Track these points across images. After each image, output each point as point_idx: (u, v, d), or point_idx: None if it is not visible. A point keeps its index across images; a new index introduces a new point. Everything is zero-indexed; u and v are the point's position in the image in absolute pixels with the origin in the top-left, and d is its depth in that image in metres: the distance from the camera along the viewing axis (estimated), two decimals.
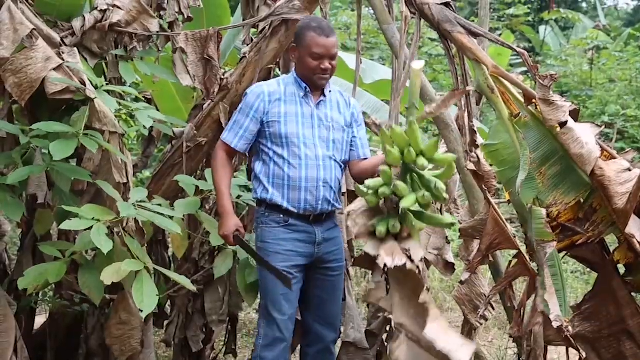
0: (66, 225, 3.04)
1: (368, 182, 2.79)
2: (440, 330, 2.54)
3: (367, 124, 4.39)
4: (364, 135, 3.66)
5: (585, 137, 3.16)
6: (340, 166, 3.52)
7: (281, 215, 3.38)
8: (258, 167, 3.44)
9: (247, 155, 3.78)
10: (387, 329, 4.01)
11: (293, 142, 3.36)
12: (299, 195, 3.36)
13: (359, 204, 2.99)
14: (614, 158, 3.25)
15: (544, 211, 3.24)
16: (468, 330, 4.79)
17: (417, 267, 2.77)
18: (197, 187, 3.74)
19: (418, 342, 2.59)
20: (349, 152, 3.56)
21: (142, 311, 3.05)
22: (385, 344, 4.09)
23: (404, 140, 2.73)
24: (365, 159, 3.59)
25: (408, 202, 2.70)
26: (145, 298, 3.01)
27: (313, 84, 3.43)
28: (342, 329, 3.94)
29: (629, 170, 3.10)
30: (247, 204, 3.96)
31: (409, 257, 2.73)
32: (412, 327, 2.63)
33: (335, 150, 3.46)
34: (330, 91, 3.53)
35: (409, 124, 2.74)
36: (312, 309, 3.54)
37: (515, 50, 3.67)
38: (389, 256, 2.75)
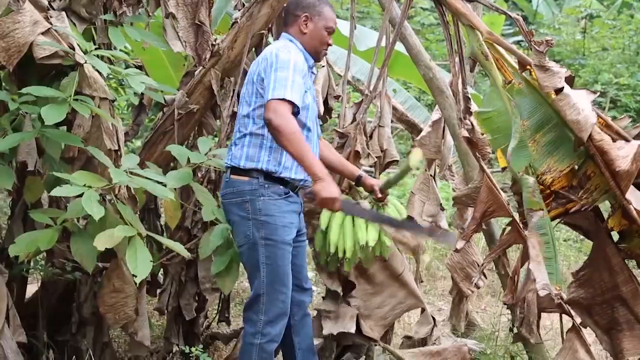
0: (57, 192, 3.00)
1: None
2: None
3: (360, 92, 4.38)
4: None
5: (581, 103, 3.16)
6: None
7: (281, 187, 3.29)
8: (269, 138, 3.23)
9: None
10: None
11: (310, 116, 3.33)
12: (304, 175, 3.30)
13: None
14: (609, 125, 3.25)
15: (532, 179, 3.24)
16: (459, 298, 4.84)
17: None
18: (188, 157, 3.70)
19: None
20: None
21: (135, 277, 3.03)
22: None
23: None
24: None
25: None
26: (139, 264, 2.99)
27: (317, 56, 3.42)
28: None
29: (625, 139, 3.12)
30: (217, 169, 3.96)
31: None
32: None
33: (318, 125, 3.50)
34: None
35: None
36: (294, 280, 3.47)
37: (510, 16, 3.63)
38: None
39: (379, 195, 3.48)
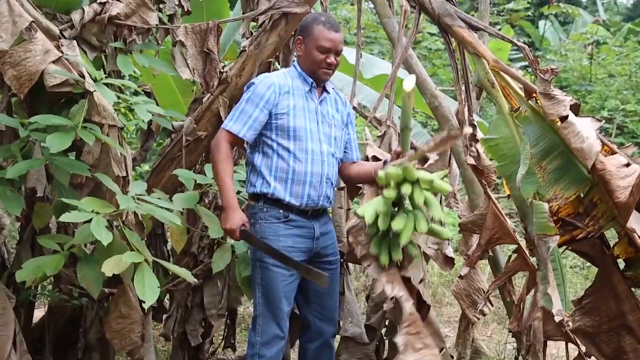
0: (65, 217, 3.02)
1: (366, 212, 3.07)
2: None
3: (365, 118, 4.40)
4: (354, 139, 3.64)
5: (585, 131, 3.16)
6: (339, 163, 3.52)
7: (281, 211, 3.33)
8: (258, 159, 3.37)
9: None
10: (386, 323, 4.01)
11: (300, 135, 3.32)
12: (302, 189, 3.32)
13: (356, 220, 3.26)
14: (615, 153, 3.25)
15: (546, 205, 3.25)
16: (465, 325, 4.82)
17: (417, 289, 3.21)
18: (195, 181, 3.72)
19: None
20: (343, 151, 3.56)
21: (143, 303, 3.04)
22: (385, 338, 4.10)
23: (398, 176, 3.05)
24: (355, 162, 3.60)
25: (404, 238, 3.05)
26: (147, 290, 3.00)
27: (317, 78, 3.39)
28: (341, 324, 3.95)
29: (628, 165, 3.10)
30: (247, 200, 3.93)
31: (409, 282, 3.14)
32: None
33: (335, 147, 3.45)
34: (333, 88, 3.54)
35: (403, 168, 3.04)
36: (311, 304, 3.50)
37: (516, 44, 3.66)
38: (389, 284, 3.08)
39: (396, 155, 3.24)
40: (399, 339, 2.97)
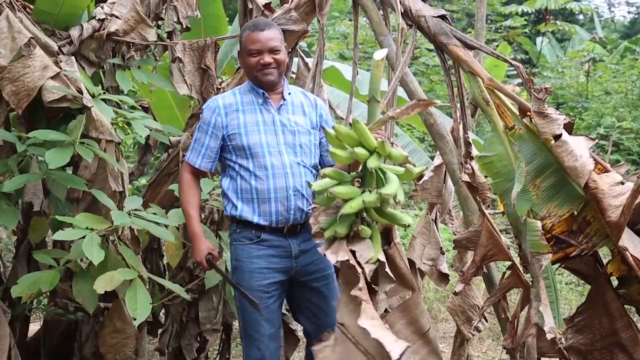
0: (59, 235, 3.04)
1: (315, 184, 2.81)
2: (376, 325, 2.54)
3: None
4: None
5: (579, 150, 3.17)
6: (311, 171, 3.32)
7: (253, 231, 3.22)
8: (225, 183, 3.28)
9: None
10: None
11: (257, 152, 3.19)
12: (269, 207, 3.19)
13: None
14: (608, 171, 3.26)
15: (539, 223, 3.24)
16: (460, 341, 4.81)
17: (362, 267, 2.77)
18: None
19: (355, 341, 2.64)
20: (318, 155, 3.38)
21: (135, 319, 3.04)
22: None
23: (354, 140, 2.76)
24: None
25: (349, 207, 2.71)
26: (139, 306, 3.00)
27: (259, 82, 3.24)
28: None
29: (622, 183, 3.11)
30: None
31: (354, 257, 2.75)
32: (350, 324, 2.68)
33: (303, 155, 3.28)
34: (289, 93, 3.34)
35: (353, 122, 2.74)
36: (307, 323, 3.43)
37: (511, 63, 3.68)
38: (334, 254, 2.77)
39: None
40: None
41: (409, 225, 2.94)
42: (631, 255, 3.06)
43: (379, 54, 2.93)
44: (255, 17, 4.31)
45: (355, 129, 2.75)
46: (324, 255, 2.79)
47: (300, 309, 3.44)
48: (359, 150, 2.75)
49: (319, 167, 3.39)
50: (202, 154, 3.24)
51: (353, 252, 2.81)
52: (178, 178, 4.01)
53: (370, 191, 2.78)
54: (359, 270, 2.72)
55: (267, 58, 3.20)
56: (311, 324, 3.40)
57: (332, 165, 3.31)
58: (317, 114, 3.39)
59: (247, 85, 3.33)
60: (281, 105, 3.29)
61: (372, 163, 2.74)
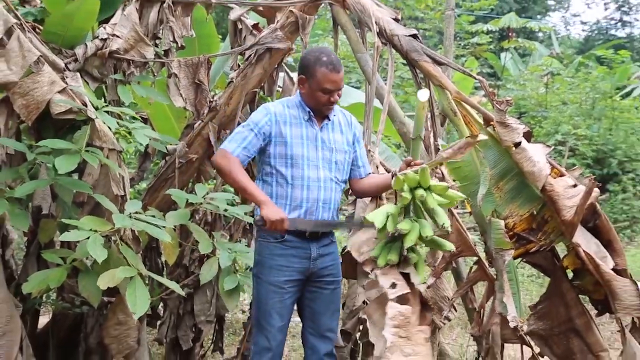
0: (66, 237, 3.02)
1: (376, 217, 2.92)
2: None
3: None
4: (364, 154, 3.45)
5: (537, 156, 3.21)
6: (341, 187, 3.32)
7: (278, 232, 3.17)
8: (260, 186, 3.23)
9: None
10: (361, 328, 4.02)
11: (297, 163, 3.17)
12: (298, 214, 3.17)
13: (361, 235, 3.17)
14: (563, 175, 3.29)
15: (502, 222, 3.28)
16: (432, 329, 4.82)
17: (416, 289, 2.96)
18: (187, 199, 3.72)
19: None
20: (349, 171, 3.36)
21: (135, 313, 3.04)
22: (359, 342, 4.11)
23: (415, 180, 2.90)
24: (364, 177, 3.40)
25: (408, 242, 2.89)
26: (138, 301, 2.99)
27: (319, 112, 3.23)
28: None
29: (575, 186, 3.15)
30: (234, 217, 3.93)
31: (407, 281, 2.92)
32: None
33: (337, 171, 3.26)
34: (334, 115, 3.31)
35: (421, 170, 2.88)
36: (306, 321, 3.35)
37: (475, 78, 3.72)
38: (384, 275, 2.93)
39: (406, 165, 3.06)
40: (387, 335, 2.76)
41: (451, 250, 3.11)
42: (583, 250, 3.10)
43: (423, 96, 2.95)
44: (245, 37, 4.34)
45: (421, 175, 2.88)
46: (375, 277, 2.93)
47: (303, 313, 3.38)
48: (419, 192, 2.89)
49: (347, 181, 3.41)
50: (242, 146, 3.15)
51: (404, 275, 2.95)
52: (174, 181, 4.05)
53: (415, 221, 2.96)
54: (409, 290, 2.89)
55: (336, 96, 3.19)
56: (312, 324, 3.34)
57: (359, 179, 3.38)
58: (352, 133, 3.36)
59: (295, 100, 3.27)
60: (324, 124, 3.26)
61: (431, 204, 2.88)
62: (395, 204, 3.09)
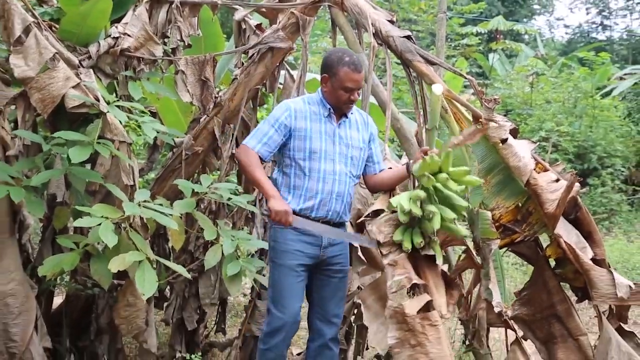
0: (79, 223, 3.02)
1: (402, 203, 2.90)
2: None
3: None
4: (379, 152, 3.47)
5: (522, 152, 3.21)
6: (354, 181, 3.34)
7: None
8: (279, 177, 3.28)
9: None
10: (355, 312, 4.03)
11: (315, 156, 3.19)
12: (313, 204, 3.19)
13: (383, 215, 3.12)
14: (546, 170, 3.30)
15: (489, 214, 3.28)
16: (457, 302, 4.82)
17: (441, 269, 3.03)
18: (193, 189, 3.72)
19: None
20: (363, 167, 3.39)
21: (144, 295, 3.04)
22: (353, 324, 4.12)
23: (436, 165, 2.91)
24: (378, 173, 3.42)
25: (436, 224, 2.87)
26: (147, 284, 2.99)
27: (339, 109, 3.27)
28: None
29: (557, 180, 3.15)
30: (237, 206, 3.93)
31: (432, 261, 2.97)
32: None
33: (352, 166, 3.29)
34: (352, 113, 3.34)
35: (446, 153, 2.91)
36: (314, 306, 3.38)
37: (465, 77, 3.71)
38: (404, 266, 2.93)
39: (423, 154, 3.03)
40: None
41: (467, 236, 3.15)
42: (564, 241, 3.11)
43: (438, 90, 2.98)
44: (248, 36, 4.33)
45: (445, 159, 2.91)
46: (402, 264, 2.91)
47: (311, 298, 3.39)
48: (442, 175, 2.91)
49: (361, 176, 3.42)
50: (262, 142, 3.19)
51: (430, 257, 2.98)
52: (180, 172, 4.04)
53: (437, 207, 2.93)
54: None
55: (356, 95, 3.23)
56: (319, 309, 3.36)
57: (373, 175, 3.40)
58: (368, 132, 3.39)
59: (317, 97, 3.30)
60: (342, 121, 3.29)
61: (453, 187, 2.91)
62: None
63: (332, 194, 3.22)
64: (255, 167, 3.19)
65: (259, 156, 3.20)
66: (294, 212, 3.19)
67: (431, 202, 2.95)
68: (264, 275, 3.60)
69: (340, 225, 3.34)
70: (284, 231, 3.22)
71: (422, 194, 2.91)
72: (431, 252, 2.98)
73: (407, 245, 2.95)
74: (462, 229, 3.08)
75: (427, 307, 2.84)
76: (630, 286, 3.06)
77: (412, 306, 2.79)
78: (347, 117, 3.31)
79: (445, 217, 2.91)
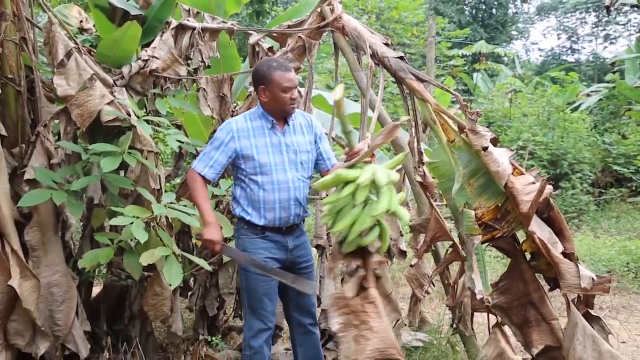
0: (114, 221, 3.03)
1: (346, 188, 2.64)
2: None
3: (343, 147, 4.39)
4: (328, 148, 3.27)
5: (501, 158, 3.19)
6: (307, 183, 3.16)
7: (259, 229, 3.07)
8: (237, 192, 3.10)
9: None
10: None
11: (266, 170, 3.00)
12: (274, 214, 3.04)
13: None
14: (522, 174, 3.27)
15: (472, 213, 3.26)
16: (415, 301, 4.82)
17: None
18: (213, 192, 3.72)
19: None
20: (313, 168, 3.22)
21: (170, 285, 3.03)
22: None
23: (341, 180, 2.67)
24: (333, 165, 3.21)
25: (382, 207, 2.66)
26: (173, 275, 2.99)
27: (285, 113, 3.06)
28: (322, 299, 3.93)
29: (532, 183, 3.13)
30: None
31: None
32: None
33: (302, 170, 3.11)
34: (293, 119, 3.13)
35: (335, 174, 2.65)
36: (290, 302, 3.25)
37: (452, 93, 3.69)
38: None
39: (350, 154, 2.83)
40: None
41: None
42: (538, 237, 3.08)
43: (337, 94, 2.70)
44: (261, 58, 4.31)
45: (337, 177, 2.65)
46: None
47: (286, 295, 3.26)
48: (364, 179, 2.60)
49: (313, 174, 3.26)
50: (209, 166, 3.03)
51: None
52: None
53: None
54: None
55: (295, 93, 3.04)
56: (295, 302, 3.24)
57: (327, 171, 3.18)
58: (313, 133, 3.20)
59: (257, 112, 3.10)
60: (285, 129, 3.10)
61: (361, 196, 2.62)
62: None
63: (290, 201, 3.05)
64: (197, 191, 3.02)
65: (207, 178, 3.04)
66: (258, 227, 3.05)
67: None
68: None
69: (299, 225, 3.18)
70: (252, 240, 3.07)
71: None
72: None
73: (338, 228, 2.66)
74: (406, 214, 2.81)
75: (363, 287, 2.68)
76: (592, 278, 3.03)
77: (349, 288, 2.65)
78: (288, 125, 3.09)
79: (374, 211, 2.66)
